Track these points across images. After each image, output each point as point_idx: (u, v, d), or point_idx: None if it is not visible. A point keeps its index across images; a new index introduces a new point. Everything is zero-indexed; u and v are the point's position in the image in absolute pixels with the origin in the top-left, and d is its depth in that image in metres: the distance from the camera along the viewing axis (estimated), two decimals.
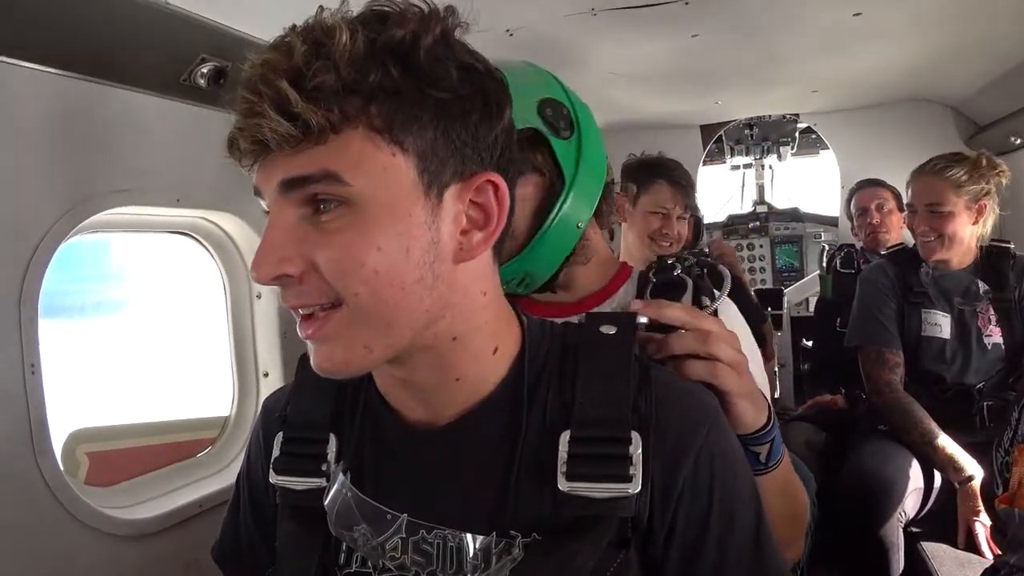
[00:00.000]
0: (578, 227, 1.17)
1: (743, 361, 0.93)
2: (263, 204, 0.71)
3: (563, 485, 0.73)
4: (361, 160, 0.66)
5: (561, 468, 0.73)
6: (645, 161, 2.57)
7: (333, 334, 0.69)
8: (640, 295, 1.21)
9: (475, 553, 0.75)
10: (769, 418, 0.96)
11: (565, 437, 0.75)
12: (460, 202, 0.72)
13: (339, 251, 0.66)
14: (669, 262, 1.22)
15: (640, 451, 0.73)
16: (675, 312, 0.94)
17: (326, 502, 0.82)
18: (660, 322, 0.94)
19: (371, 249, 0.66)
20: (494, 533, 0.75)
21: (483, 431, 0.78)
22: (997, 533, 1.75)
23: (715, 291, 1.21)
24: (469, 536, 0.76)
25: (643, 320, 0.88)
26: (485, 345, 0.78)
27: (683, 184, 2.46)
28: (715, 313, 1.14)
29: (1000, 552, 1.31)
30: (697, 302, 1.15)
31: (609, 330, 0.82)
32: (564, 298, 1.23)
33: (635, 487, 0.72)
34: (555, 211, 1.14)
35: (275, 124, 0.63)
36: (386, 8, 0.68)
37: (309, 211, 0.67)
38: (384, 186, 0.67)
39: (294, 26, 0.68)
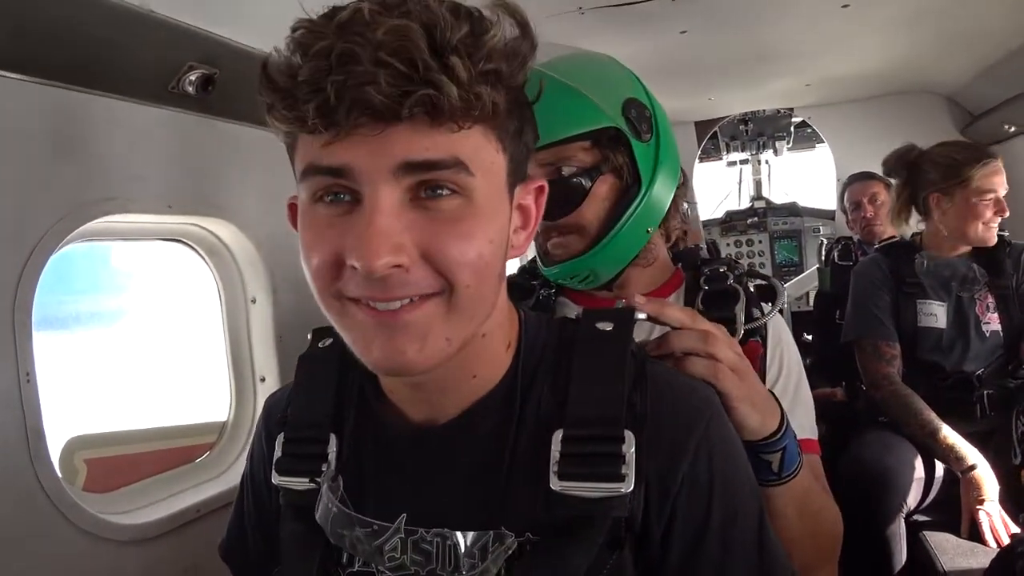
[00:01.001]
0: (647, 232, 1.19)
1: (744, 366, 0.93)
2: (315, 182, 0.65)
3: (555, 484, 0.72)
4: (478, 152, 0.66)
5: (553, 467, 0.72)
6: None
7: (421, 324, 0.67)
8: (690, 302, 1.21)
9: (469, 550, 0.75)
10: (780, 426, 0.95)
11: (558, 436, 0.74)
12: (513, 203, 0.74)
13: (461, 241, 0.65)
14: (721, 271, 1.22)
15: (633, 450, 0.72)
16: (675, 312, 0.94)
17: (317, 515, 0.81)
18: (660, 321, 0.94)
19: (485, 240, 0.67)
20: (490, 535, 0.74)
21: (479, 429, 0.78)
22: (1008, 499, 1.74)
23: (764, 304, 1.20)
24: (460, 534, 0.75)
25: (641, 316, 0.87)
26: (502, 341, 0.79)
27: None
28: (765, 327, 1.16)
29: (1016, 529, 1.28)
30: (749, 314, 1.15)
31: (606, 326, 0.81)
32: (617, 296, 1.22)
33: (627, 486, 0.71)
34: (629, 213, 1.16)
35: (451, 97, 0.60)
36: (515, 9, 0.67)
37: (412, 195, 0.65)
38: (492, 182, 0.68)
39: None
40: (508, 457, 0.76)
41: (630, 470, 0.71)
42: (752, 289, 1.22)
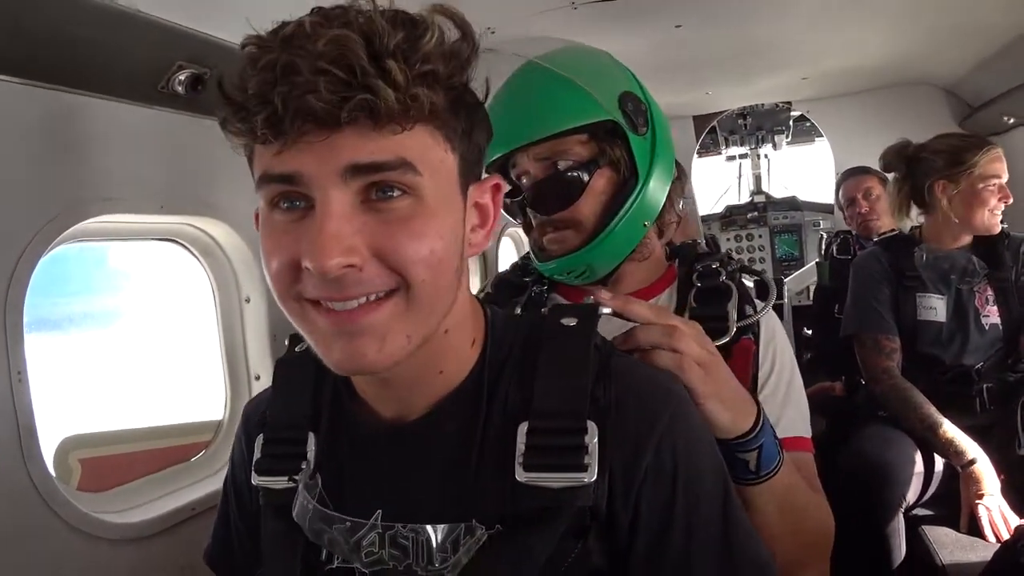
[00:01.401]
0: (644, 225, 1.19)
1: (712, 361, 0.93)
2: (269, 191, 0.68)
3: (520, 476, 0.74)
4: (425, 152, 0.68)
5: (519, 459, 0.74)
6: None
7: (380, 324, 0.68)
8: (683, 298, 1.21)
9: (441, 544, 0.77)
10: (756, 425, 0.94)
11: (523, 428, 0.76)
12: (469, 201, 0.76)
13: (412, 239, 0.67)
14: (714, 266, 1.21)
15: (596, 440, 0.74)
16: (639, 308, 0.95)
17: (295, 514, 0.83)
18: (625, 317, 0.95)
19: (436, 237, 0.69)
20: (461, 528, 0.76)
21: (448, 425, 0.80)
22: (1012, 491, 1.74)
23: (757, 300, 1.20)
24: (431, 528, 0.77)
25: (606, 311, 0.89)
26: (466, 337, 0.81)
27: None
28: (758, 324, 1.16)
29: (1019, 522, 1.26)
30: (741, 310, 1.14)
31: (570, 322, 0.83)
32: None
33: (591, 476, 0.73)
34: (626, 207, 1.16)
35: (388, 101, 0.62)
36: (454, 13, 0.70)
37: (363, 197, 0.66)
38: (441, 180, 0.70)
39: (320, 8, 0.67)
40: (477, 451, 0.78)
41: (593, 460, 0.73)
42: (747, 285, 1.21)
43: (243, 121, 0.65)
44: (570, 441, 0.74)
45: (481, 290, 1.41)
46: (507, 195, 1.22)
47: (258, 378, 1.85)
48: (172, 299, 2.01)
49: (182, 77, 1.45)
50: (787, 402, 1.15)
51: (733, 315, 1.12)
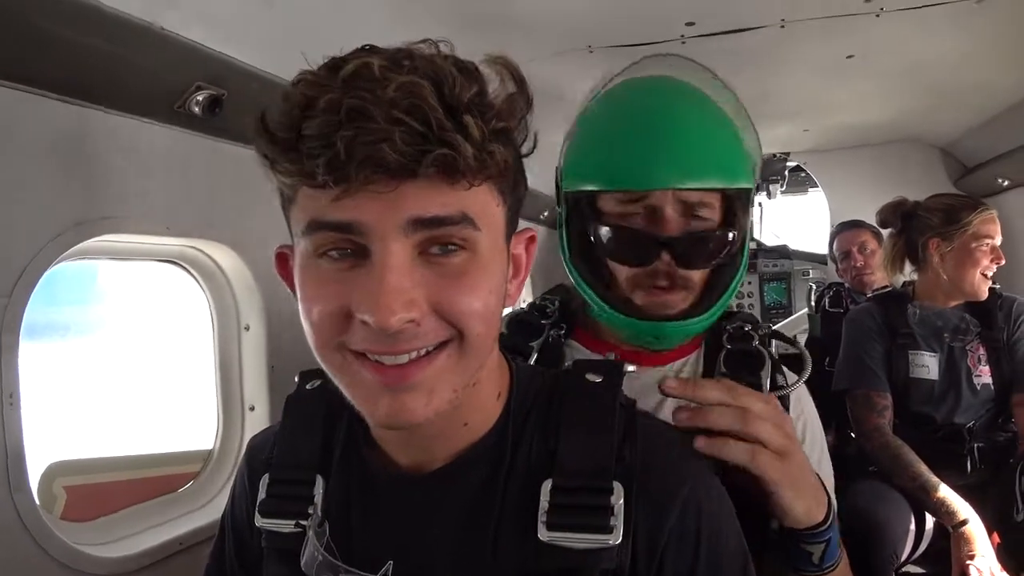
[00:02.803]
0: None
1: (790, 446, 0.87)
2: (322, 237, 0.64)
3: (543, 535, 0.72)
4: (485, 208, 0.67)
5: (542, 517, 0.72)
6: None
7: (431, 378, 0.67)
8: (711, 360, 1.13)
9: None
10: (828, 517, 0.90)
11: (547, 486, 0.74)
12: (506, 253, 0.74)
13: (467, 293, 0.66)
14: (746, 329, 1.13)
15: (622, 502, 0.72)
16: (712, 392, 0.89)
17: (303, 561, 0.79)
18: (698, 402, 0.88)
19: (488, 291, 0.68)
20: None
21: (469, 478, 0.77)
22: (1007, 555, 1.73)
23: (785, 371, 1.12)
24: None
25: (631, 369, 0.85)
26: (492, 390, 0.79)
27: None
28: (787, 397, 1.08)
29: None
30: (773, 380, 1.07)
31: (595, 378, 0.81)
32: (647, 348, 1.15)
33: (615, 538, 0.71)
34: (737, 278, 1.10)
35: (462, 152, 0.60)
36: (508, 64, 0.68)
37: (421, 250, 0.65)
38: (495, 236, 0.69)
39: (373, 47, 0.65)
40: (497, 507, 0.75)
41: (618, 522, 0.71)
42: (774, 351, 1.13)
43: (295, 162, 0.62)
44: (596, 501, 0.72)
45: None
46: (571, 225, 1.12)
47: (252, 409, 1.80)
48: (162, 320, 1.96)
49: (200, 98, 1.43)
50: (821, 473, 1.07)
51: (767, 384, 1.04)
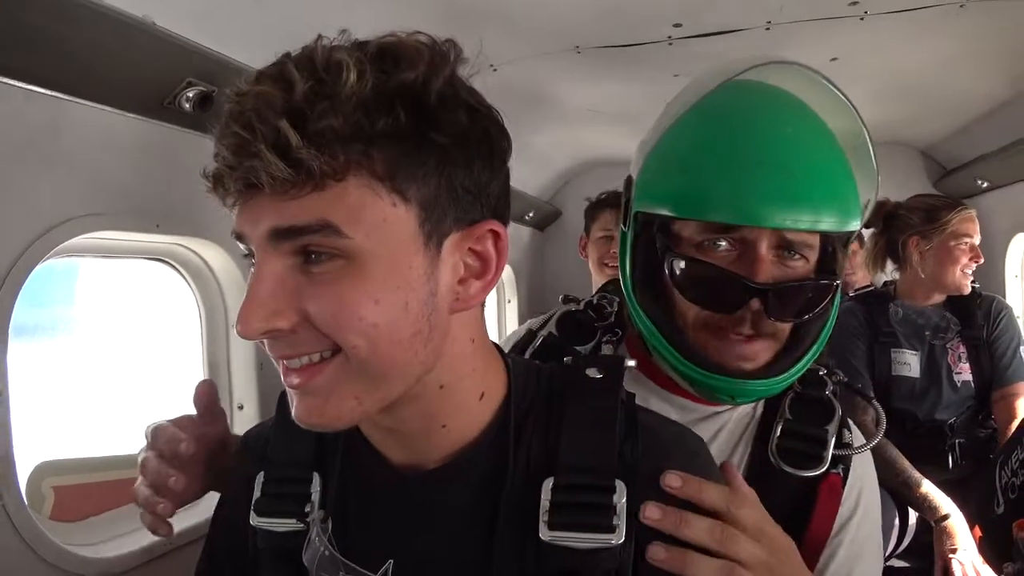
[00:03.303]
0: None
1: (776, 561, 0.76)
2: (242, 247, 0.67)
3: (545, 534, 0.71)
4: (360, 210, 0.62)
5: (543, 516, 0.71)
6: (602, 195, 2.74)
7: (323, 386, 0.66)
8: (773, 406, 1.02)
9: None
10: None
11: (548, 484, 0.72)
12: (459, 251, 0.69)
13: (336, 304, 0.63)
14: (820, 374, 1.02)
15: (625, 500, 0.71)
16: (714, 498, 0.76)
17: (305, 557, 0.79)
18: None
19: (369, 303, 0.63)
20: None
21: (468, 477, 0.76)
22: (989, 548, 1.76)
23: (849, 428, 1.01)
24: None
25: (631, 363, 0.82)
26: (472, 392, 0.76)
27: None
28: (850, 458, 0.97)
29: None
30: (840, 436, 0.97)
31: (595, 374, 0.80)
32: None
33: (618, 538, 0.70)
34: (826, 330, 0.97)
35: (272, 168, 0.58)
36: (395, 44, 0.64)
37: (299, 260, 0.63)
38: (383, 239, 0.63)
39: (288, 54, 0.63)
40: (497, 506, 0.74)
41: (621, 521, 0.70)
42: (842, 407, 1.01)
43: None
44: (598, 499, 0.71)
45: (539, 328, 1.17)
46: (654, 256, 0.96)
47: (241, 407, 1.79)
48: (149, 320, 1.94)
49: (191, 94, 1.42)
50: (861, 555, 0.97)
51: (832, 440, 0.94)
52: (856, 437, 1.00)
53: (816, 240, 0.92)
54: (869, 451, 1.01)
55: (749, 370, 0.92)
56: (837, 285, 0.93)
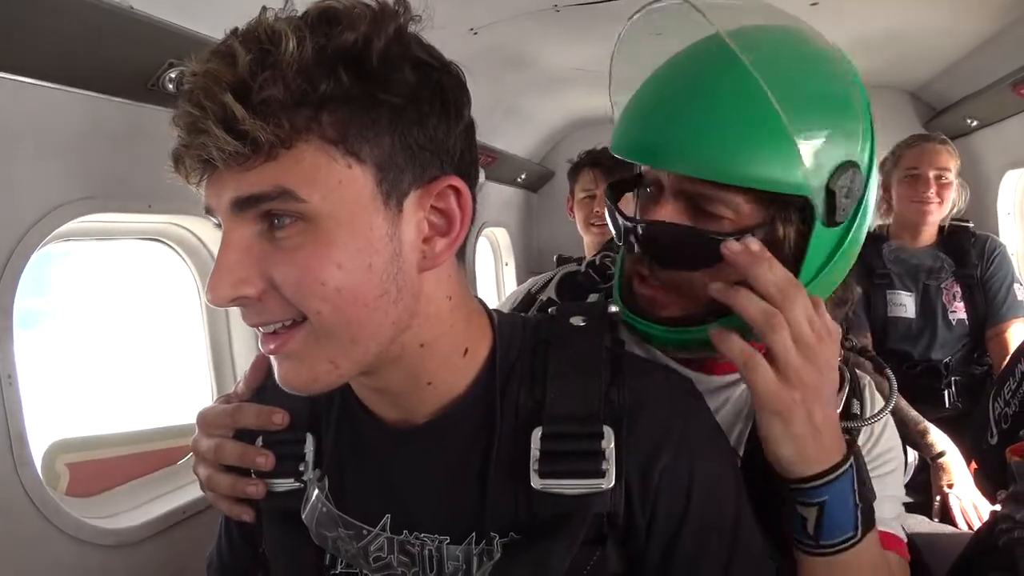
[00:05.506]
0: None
1: (809, 378, 0.74)
2: (213, 220, 0.68)
3: (536, 483, 0.71)
4: (315, 174, 0.62)
5: (533, 466, 0.72)
6: (581, 156, 2.67)
7: (297, 351, 0.67)
8: None
9: (453, 553, 0.75)
10: (829, 472, 0.77)
11: (537, 434, 0.73)
12: (421, 209, 0.69)
13: (298, 269, 0.63)
14: None
15: (613, 445, 0.72)
16: (771, 278, 0.76)
17: (304, 514, 0.81)
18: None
19: (331, 266, 0.63)
20: (472, 537, 0.75)
21: (458, 431, 0.77)
22: (984, 479, 1.80)
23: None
24: (448, 542, 0.75)
25: (614, 309, 0.84)
26: (454, 348, 0.76)
27: (607, 166, 2.46)
28: (859, 430, 0.91)
29: (998, 504, 1.29)
30: (848, 407, 0.92)
31: (579, 322, 0.80)
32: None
33: (608, 482, 0.71)
34: None
35: (221, 142, 0.59)
36: (335, 7, 0.64)
37: (264, 227, 0.64)
38: (341, 200, 0.63)
39: (236, 29, 0.64)
40: (488, 458, 0.75)
41: (610, 465, 0.71)
42: (856, 374, 0.96)
43: None
44: (586, 446, 0.72)
45: (539, 292, 1.13)
46: (617, 185, 0.96)
47: None
48: (156, 300, 1.98)
49: (173, 75, 1.43)
50: (877, 483, 0.89)
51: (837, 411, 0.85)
52: (869, 406, 0.94)
53: (737, 201, 0.81)
54: (890, 418, 0.95)
55: (649, 313, 0.89)
56: (721, 242, 0.79)
